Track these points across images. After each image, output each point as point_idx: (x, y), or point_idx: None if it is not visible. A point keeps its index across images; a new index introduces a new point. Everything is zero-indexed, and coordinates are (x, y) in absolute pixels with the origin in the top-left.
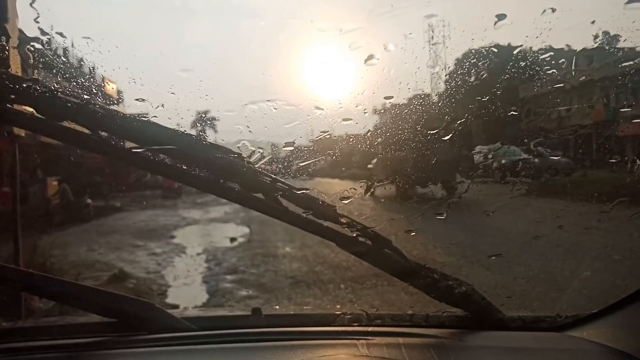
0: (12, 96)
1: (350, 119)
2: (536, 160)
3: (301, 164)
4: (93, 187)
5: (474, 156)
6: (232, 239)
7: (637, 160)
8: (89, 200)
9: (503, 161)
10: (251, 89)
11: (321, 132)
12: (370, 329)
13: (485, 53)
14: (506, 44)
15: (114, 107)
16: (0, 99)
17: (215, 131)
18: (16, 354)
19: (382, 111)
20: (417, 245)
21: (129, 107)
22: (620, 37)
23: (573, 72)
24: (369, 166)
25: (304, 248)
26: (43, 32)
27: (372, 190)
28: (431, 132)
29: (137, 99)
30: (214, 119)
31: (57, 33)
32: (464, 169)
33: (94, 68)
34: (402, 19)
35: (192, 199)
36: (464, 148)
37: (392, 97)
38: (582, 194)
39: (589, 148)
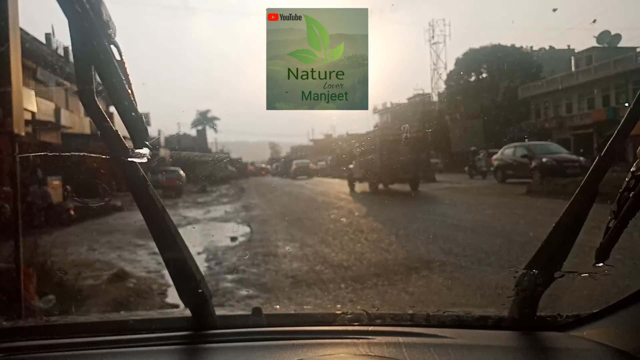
0: None
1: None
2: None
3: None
4: (93, 187)
5: (481, 156)
6: (233, 238)
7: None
8: (69, 205)
9: (544, 160)
10: (251, 88)
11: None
12: (370, 328)
13: (485, 53)
14: (506, 44)
15: None
16: None
17: (216, 131)
18: (16, 353)
19: (382, 111)
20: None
21: None
22: (621, 36)
23: (574, 72)
24: (350, 166)
25: (304, 247)
26: (45, 34)
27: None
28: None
29: None
30: (215, 118)
31: (58, 32)
32: (425, 170)
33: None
34: (402, 18)
35: (192, 199)
36: (422, 152)
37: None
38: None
39: (589, 147)
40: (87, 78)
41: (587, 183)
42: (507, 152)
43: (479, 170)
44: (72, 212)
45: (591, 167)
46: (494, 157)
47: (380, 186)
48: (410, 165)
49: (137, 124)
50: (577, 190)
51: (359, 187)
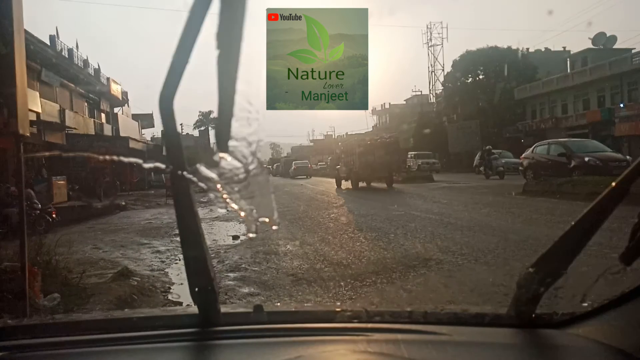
0: None
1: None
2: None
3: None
4: (97, 187)
5: (490, 156)
6: (235, 237)
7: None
8: (50, 208)
9: (587, 159)
10: (252, 88)
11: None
12: (369, 325)
13: (482, 55)
14: (503, 46)
15: (119, 108)
16: None
17: None
18: (21, 350)
19: (381, 112)
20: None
21: (134, 107)
22: (617, 38)
23: (570, 74)
24: (338, 167)
25: (304, 246)
26: (49, 35)
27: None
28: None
29: None
30: (217, 119)
31: (62, 34)
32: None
33: (99, 69)
34: (400, 20)
35: (195, 198)
36: (397, 154)
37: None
38: (578, 193)
39: None
40: (174, 84)
41: (619, 183)
42: (539, 149)
43: (495, 170)
44: (54, 215)
45: (631, 166)
46: (523, 155)
47: (362, 183)
48: (386, 165)
49: (226, 127)
50: (606, 190)
51: (345, 184)
